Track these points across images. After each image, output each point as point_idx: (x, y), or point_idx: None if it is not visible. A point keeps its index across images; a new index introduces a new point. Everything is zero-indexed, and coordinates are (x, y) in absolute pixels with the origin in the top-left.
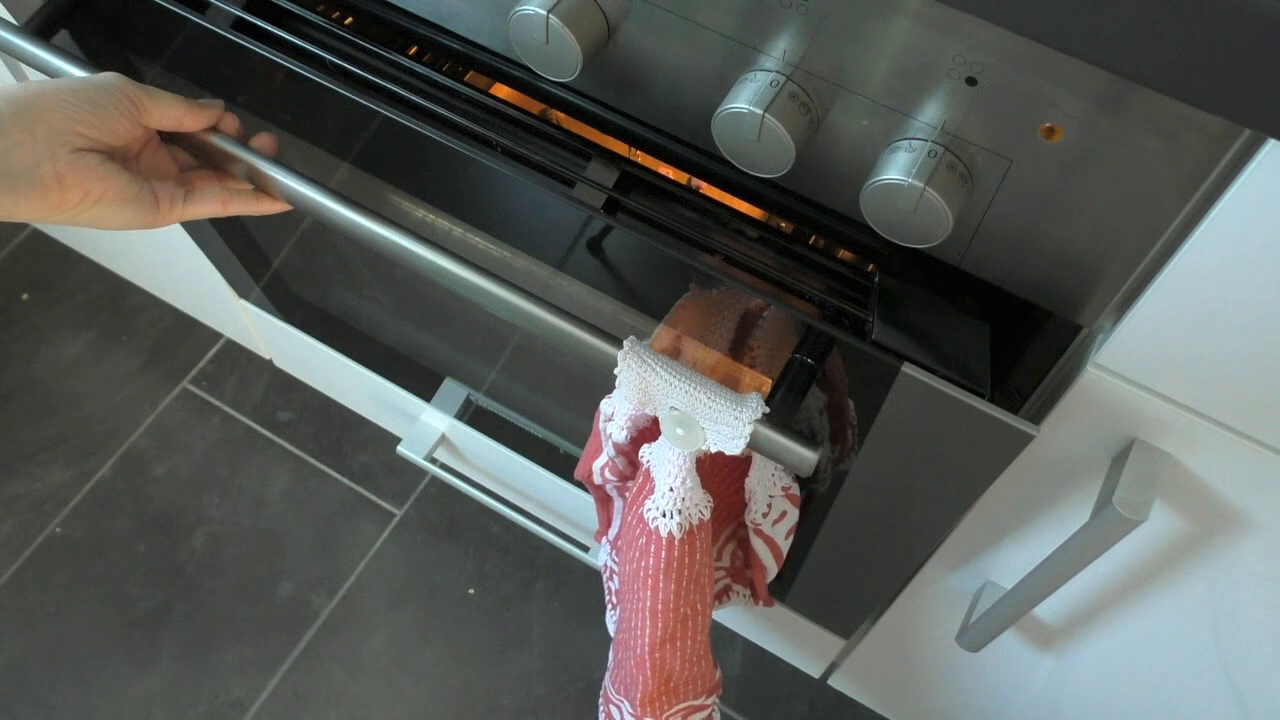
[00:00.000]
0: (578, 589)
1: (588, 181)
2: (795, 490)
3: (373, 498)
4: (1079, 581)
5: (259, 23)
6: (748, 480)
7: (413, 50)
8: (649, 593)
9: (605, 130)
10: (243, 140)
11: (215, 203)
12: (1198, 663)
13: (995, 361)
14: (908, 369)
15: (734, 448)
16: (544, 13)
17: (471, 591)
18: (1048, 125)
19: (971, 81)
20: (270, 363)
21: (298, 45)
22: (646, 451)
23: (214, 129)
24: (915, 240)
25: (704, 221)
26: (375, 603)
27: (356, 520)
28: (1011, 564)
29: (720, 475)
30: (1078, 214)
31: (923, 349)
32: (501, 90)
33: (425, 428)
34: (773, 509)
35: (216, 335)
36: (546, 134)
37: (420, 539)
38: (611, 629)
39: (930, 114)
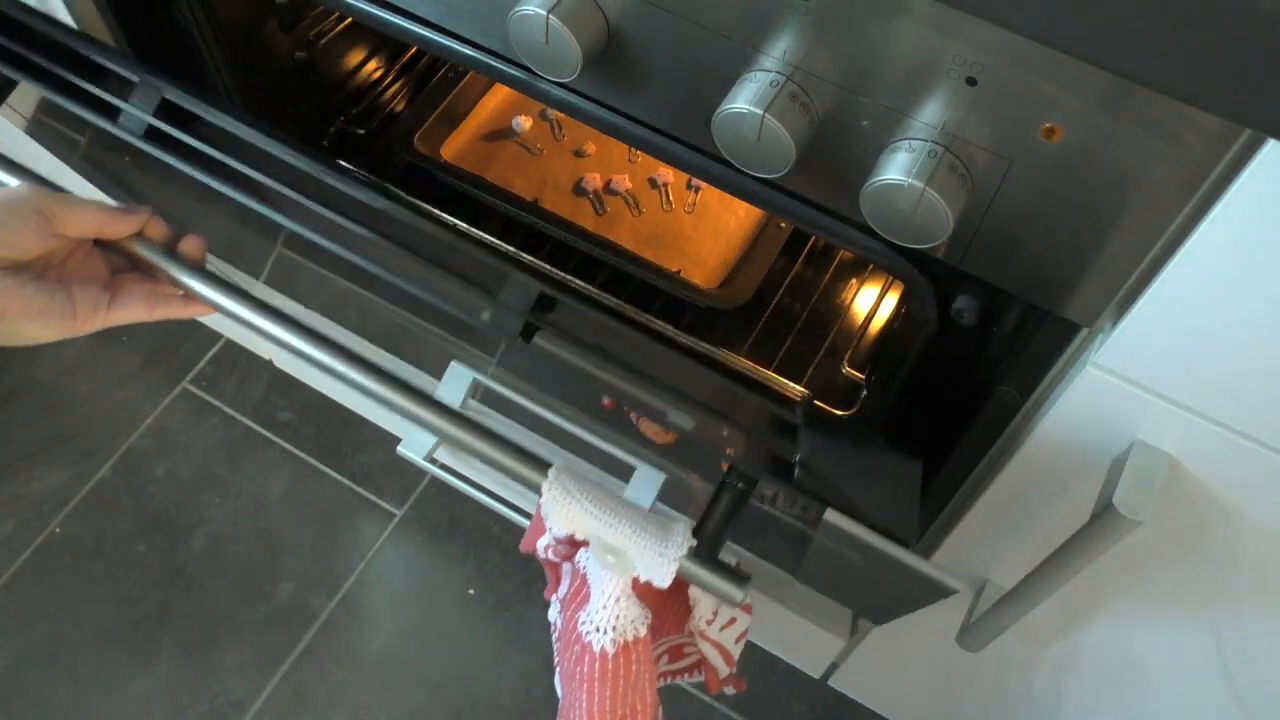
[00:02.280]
0: None
1: (502, 306)
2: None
3: (373, 498)
4: (1079, 581)
5: (168, 129)
6: (690, 588)
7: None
8: (584, 696)
9: (605, 130)
10: (171, 244)
11: (141, 308)
12: (1197, 663)
13: (993, 364)
14: (830, 516)
15: (661, 581)
16: (544, 13)
17: (471, 591)
18: (1048, 125)
19: (971, 81)
20: (270, 363)
21: (210, 152)
22: (583, 557)
23: (141, 234)
24: (915, 240)
25: (631, 337)
26: (375, 603)
27: (356, 520)
28: (1011, 564)
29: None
30: (1078, 214)
31: (849, 491)
32: (501, 91)
33: None
34: (719, 616)
35: (216, 335)
36: (467, 250)
37: (420, 539)
38: (558, 689)
39: (930, 114)
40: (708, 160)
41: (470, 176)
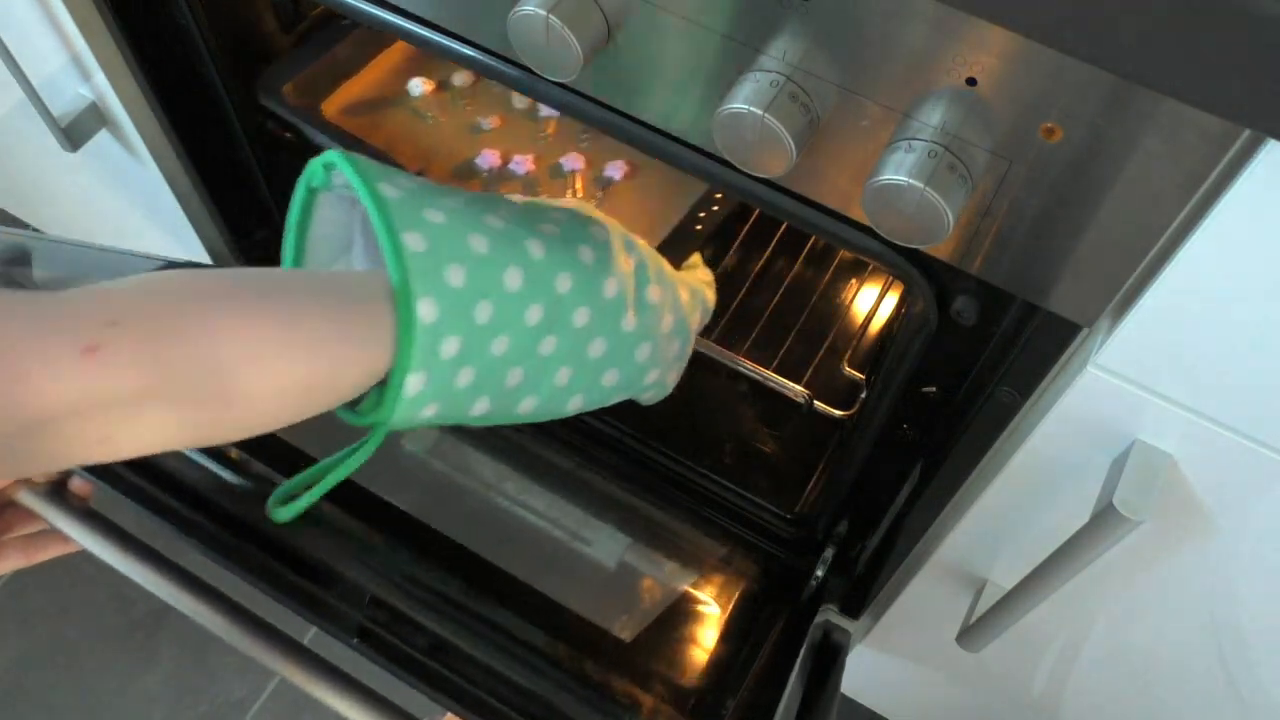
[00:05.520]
0: None
1: (337, 613)
2: None
3: None
4: (1079, 581)
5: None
6: None
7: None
8: None
9: (606, 130)
10: (58, 487)
11: (19, 558)
12: (1197, 663)
13: (993, 364)
14: None
15: None
16: (544, 13)
17: None
18: (1048, 125)
19: (971, 81)
20: None
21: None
22: None
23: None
24: (915, 240)
25: (460, 650)
26: None
27: None
28: (1011, 564)
29: None
30: (1077, 214)
31: None
32: (399, 50)
33: None
34: None
35: None
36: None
37: None
38: None
39: (930, 114)
40: (708, 160)
41: (349, 137)
